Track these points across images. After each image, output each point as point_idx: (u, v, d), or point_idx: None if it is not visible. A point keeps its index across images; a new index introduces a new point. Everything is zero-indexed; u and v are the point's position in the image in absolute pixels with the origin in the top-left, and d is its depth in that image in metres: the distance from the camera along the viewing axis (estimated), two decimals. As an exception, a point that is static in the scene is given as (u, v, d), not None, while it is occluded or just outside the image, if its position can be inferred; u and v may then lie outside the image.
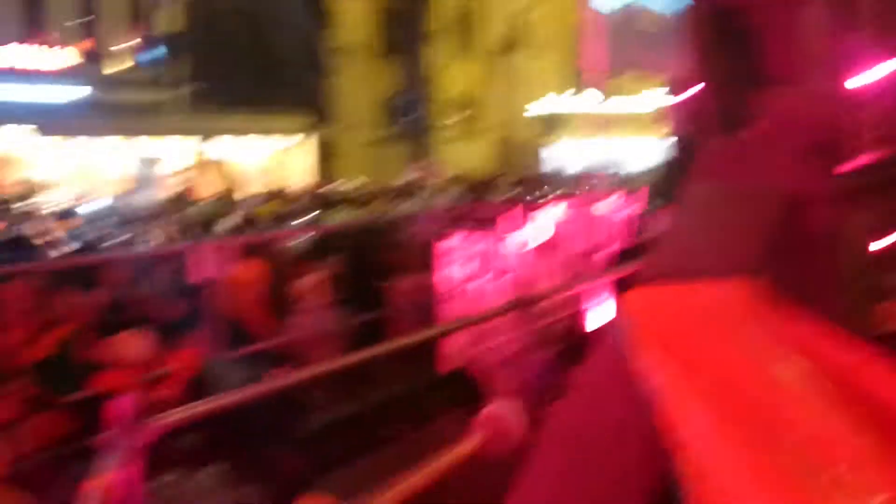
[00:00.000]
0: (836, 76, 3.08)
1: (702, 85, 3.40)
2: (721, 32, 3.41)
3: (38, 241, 9.73)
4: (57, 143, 20.10)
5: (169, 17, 24.23)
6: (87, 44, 24.34)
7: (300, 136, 26.33)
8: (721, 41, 3.44)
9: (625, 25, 7.30)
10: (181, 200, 14.12)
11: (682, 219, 3.38)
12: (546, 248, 6.51)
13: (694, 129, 3.78)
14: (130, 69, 24.82)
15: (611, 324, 2.96)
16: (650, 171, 19.46)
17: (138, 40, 25.24)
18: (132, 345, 5.07)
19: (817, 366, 2.13)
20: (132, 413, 2.59)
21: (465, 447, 2.47)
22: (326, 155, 35.93)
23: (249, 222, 10.63)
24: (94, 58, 24.09)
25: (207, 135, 22.72)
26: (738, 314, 2.44)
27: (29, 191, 16.75)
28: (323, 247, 8.25)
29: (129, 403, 2.60)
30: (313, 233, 9.15)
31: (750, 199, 2.95)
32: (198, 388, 4.80)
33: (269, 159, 25.43)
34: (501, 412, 2.68)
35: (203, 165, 22.12)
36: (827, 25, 3.15)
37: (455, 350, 6.24)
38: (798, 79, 3.15)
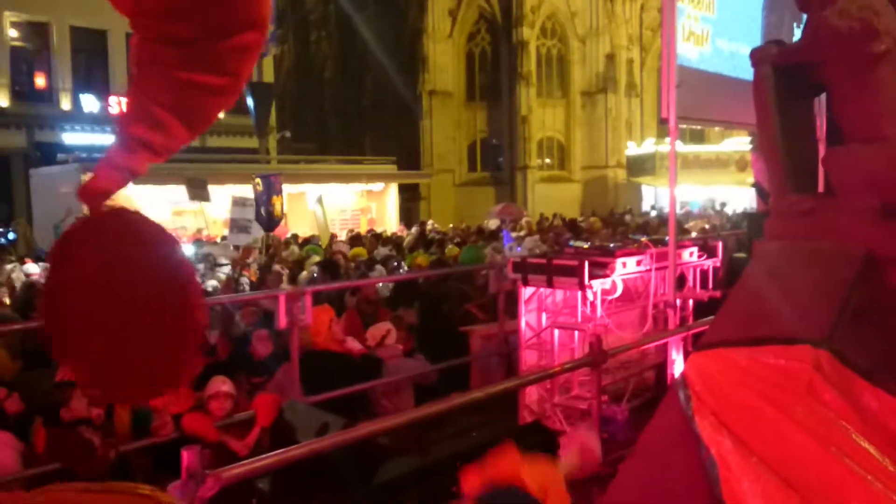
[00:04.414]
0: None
1: (770, 141, 3.31)
2: (791, 88, 3.33)
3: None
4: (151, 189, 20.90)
5: (260, 67, 25.18)
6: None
7: (388, 180, 26.83)
8: (791, 97, 3.36)
9: (708, 75, 7.17)
10: (269, 245, 14.52)
11: (750, 278, 3.28)
12: (626, 298, 6.39)
13: (765, 185, 3.69)
14: (222, 118, 25.91)
15: (675, 385, 2.89)
16: (737, 219, 18.96)
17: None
18: (220, 389, 5.22)
19: (885, 443, 2.03)
20: (201, 463, 2.68)
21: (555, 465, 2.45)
22: (414, 198, 36.47)
23: (335, 266, 10.82)
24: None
25: (296, 180, 23.34)
26: (799, 386, 2.36)
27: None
28: (402, 293, 8.34)
29: (200, 453, 2.70)
30: (392, 280, 9.26)
31: (824, 259, 2.84)
32: (275, 432, 4.90)
33: (356, 203, 25.95)
34: (584, 434, 2.64)
35: (292, 210, 22.68)
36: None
37: (531, 402, 6.17)
38: (875, 136, 3.04)
